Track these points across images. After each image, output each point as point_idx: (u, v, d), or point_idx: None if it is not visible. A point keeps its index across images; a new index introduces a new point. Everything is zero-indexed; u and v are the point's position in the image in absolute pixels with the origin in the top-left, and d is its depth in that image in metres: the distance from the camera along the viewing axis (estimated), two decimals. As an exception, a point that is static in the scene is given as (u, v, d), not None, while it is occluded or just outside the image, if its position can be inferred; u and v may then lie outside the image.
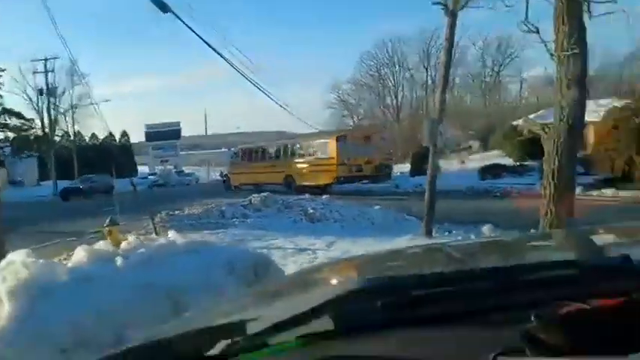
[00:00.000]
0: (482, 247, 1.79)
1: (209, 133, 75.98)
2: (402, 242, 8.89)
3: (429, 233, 9.73)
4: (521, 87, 60.33)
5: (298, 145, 28.08)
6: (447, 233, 9.95)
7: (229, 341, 0.93)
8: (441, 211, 10.90)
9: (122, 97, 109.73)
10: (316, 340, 0.87)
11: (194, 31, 13.52)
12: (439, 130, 11.10)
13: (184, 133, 68.43)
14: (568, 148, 6.39)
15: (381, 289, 0.90)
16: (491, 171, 25.71)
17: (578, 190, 15.74)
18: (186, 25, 12.56)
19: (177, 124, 64.48)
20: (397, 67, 61.71)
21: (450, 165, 31.26)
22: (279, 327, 0.89)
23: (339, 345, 0.87)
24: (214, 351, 0.93)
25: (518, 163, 26.79)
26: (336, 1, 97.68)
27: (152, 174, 55.13)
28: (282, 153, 28.59)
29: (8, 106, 38.59)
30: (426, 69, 59.54)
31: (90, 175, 34.33)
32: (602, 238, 1.58)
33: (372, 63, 61.80)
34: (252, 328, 0.92)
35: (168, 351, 0.95)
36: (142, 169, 57.05)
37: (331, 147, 24.86)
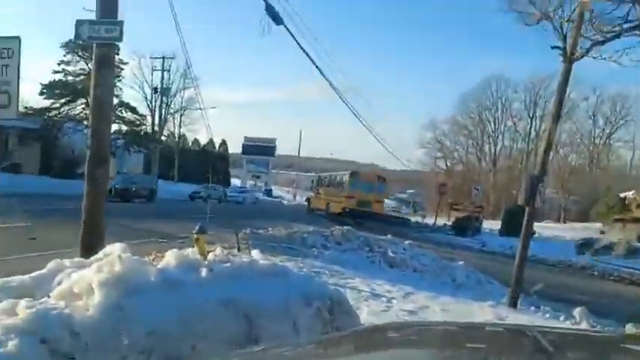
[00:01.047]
0: (572, 340, 1.61)
1: (302, 154, 77.59)
2: (483, 309, 8.40)
3: (513, 304, 9.10)
4: (633, 154, 55.18)
5: (334, 178, 31.22)
6: (533, 308, 9.26)
7: None
8: (531, 282, 10.22)
9: (225, 105, 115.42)
10: None
11: (302, 48, 13.85)
12: (539, 190, 10.44)
13: (277, 151, 70.29)
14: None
15: None
16: (590, 246, 23.83)
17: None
18: (295, 39, 12.85)
19: (274, 140, 66.41)
20: (500, 112, 58.96)
21: (544, 229, 29.42)
22: None
23: None
24: None
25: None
26: (446, 34, 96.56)
27: (243, 187, 57.14)
28: (326, 183, 32.10)
29: (126, 100, 41.87)
30: (531, 119, 56.27)
31: (209, 184, 36.75)
32: None
33: (474, 105, 59.56)
34: None
35: None
36: (235, 181, 59.31)
37: (345, 181, 28.13)
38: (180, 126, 52.14)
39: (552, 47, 7.33)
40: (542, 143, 10.73)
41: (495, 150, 59.52)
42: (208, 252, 7.12)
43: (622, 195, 26.84)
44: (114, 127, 43.04)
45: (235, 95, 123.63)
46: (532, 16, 6.83)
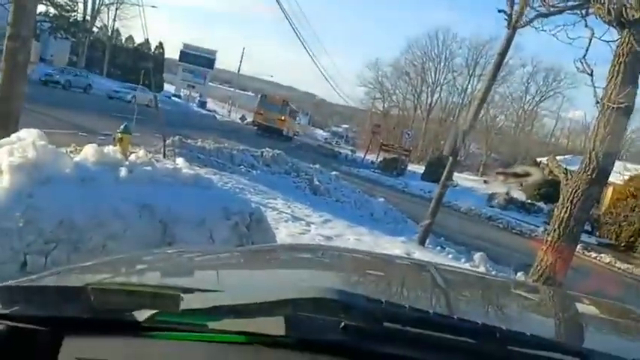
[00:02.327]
0: (463, 279, 1.75)
1: (242, 72, 75.23)
2: (394, 243, 8.88)
3: (422, 242, 9.70)
4: (556, 124, 59.18)
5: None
6: (439, 248, 9.92)
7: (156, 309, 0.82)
8: (440, 224, 10.88)
9: (168, 7, 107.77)
10: (261, 342, 0.78)
11: None
12: (464, 143, 10.94)
13: (218, 65, 67.77)
14: (583, 201, 6.32)
15: (352, 307, 0.78)
16: (500, 199, 25.54)
17: (578, 247, 15.75)
18: None
19: (214, 52, 63.58)
20: (442, 64, 60.27)
21: (463, 180, 31.05)
22: (221, 310, 0.78)
23: (283, 354, 0.78)
24: (138, 315, 0.83)
25: (529, 201, 26.57)
26: None
27: (176, 95, 55.04)
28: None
29: (56, -18, 38.19)
30: (470, 76, 58.00)
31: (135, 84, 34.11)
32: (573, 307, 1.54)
33: (419, 53, 60.35)
34: (188, 302, 0.80)
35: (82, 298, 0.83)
36: (168, 88, 56.88)
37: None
38: (114, 20, 48.57)
39: (499, 11, 7.48)
40: (476, 101, 11.11)
41: (432, 100, 61.21)
42: (130, 153, 6.93)
43: (538, 159, 28.60)
44: (40, 8, 39.42)
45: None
46: None
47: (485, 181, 31.27)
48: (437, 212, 10.15)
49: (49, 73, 29.83)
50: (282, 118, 34.46)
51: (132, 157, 5.11)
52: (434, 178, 20.46)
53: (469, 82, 58.01)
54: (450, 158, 10.53)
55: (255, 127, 34.77)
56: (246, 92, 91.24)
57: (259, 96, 37.76)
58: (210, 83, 70.01)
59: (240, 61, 67.44)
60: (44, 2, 36.71)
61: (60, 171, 4.02)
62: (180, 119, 24.56)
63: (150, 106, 28.75)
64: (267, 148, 15.21)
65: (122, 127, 9.23)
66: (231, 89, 74.02)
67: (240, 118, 59.32)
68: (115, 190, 4.20)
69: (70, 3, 39.50)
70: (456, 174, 17.07)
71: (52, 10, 37.34)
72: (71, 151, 8.22)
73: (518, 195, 27.34)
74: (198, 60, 61.82)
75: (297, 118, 47.32)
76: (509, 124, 58.64)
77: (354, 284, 1.37)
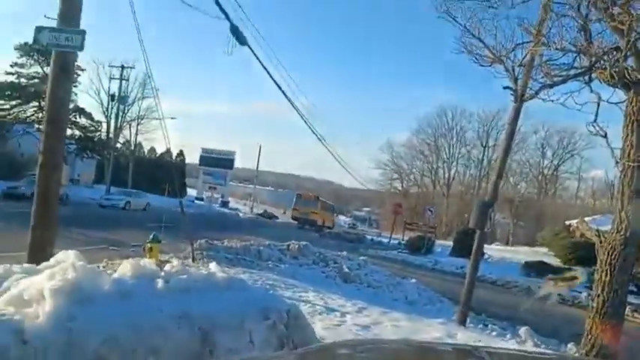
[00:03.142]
0: None
1: (260, 169, 77.24)
2: (433, 326, 8.62)
3: (462, 322, 9.38)
4: (578, 186, 58.62)
5: None
6: (481, 326, 9.57)
7: None
8: (479, 300, 10.56)
9: (184, 117, 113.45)
10: None
11: (272, 77, 14.09)
12: (489, 214, 10.88)
13: (237, 164, 69.89)
14: (621, 262, 6.17)
15: None
16: (535, 268, 24.74)
17: (627, 310, 15.00)
18: (262, 63, 13.00)
19: (233, 153, 65.84)
20: (454, 140, 61.40)
21: (493, 251, 30.41)
22: None
23: None
24: None
25: (565, 266, 25.67)
26: (406, 65, 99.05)
27: (199, 198, 56.29)
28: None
29: (81, 105, 40.86)
30: (484, 148, 58.90)
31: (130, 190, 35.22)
32: None
33: (430, 131, 61.76)
34: None
35: None
36: (191, 192, 58.40)
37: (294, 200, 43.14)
38: (136, 134, 51.10)
39: (504, 87, 7.79)
40: (494, 172, 11.20)
41: (449, 175, 61.77)
42: (163, 262, 7.06)
43: (567, 222, 28.11)
44: (67, 132, 41.80)
45: (195, 107, 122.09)
46: (486, 59, 7.23)
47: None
48: (472, 288, 9.91)
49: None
50: (316, 211, 40.13)
51: (167, 267, 5.21)
52: (463, 253, 20.11)
53: (484, 154, 58.77)
54: (478, 231, 10.44)
55: (295, 221, 39.94)
56: (265, 187, 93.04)
57: (295, 194, 44.76)
58: (231, 183, 71.80)
59: (258, 159, 69.28)
60: (70, 126, 39.11)
61: (100, 289, 4.13)
62: (205, 221, 24.98)
63: (146, 210, 29.33)
64: (293, 241, 15.27)
65: (151, 236, 9.45)
66: (251, 186, 75.51)
67: (261, 214, 59.97)
68: (154, 302, 4.26)
69: (95, 124, 41.95)
70: (485, 246, 16.83)
71: (77, 132, 39.58)
72: (104, 267, 8.41)
73: (552, 261, 26.56)
74: (217, 162, 63.91)
75: (332, 210, 50.58)
76: (531, 190, 58.38)
77: None
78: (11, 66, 37.93)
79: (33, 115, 36.91)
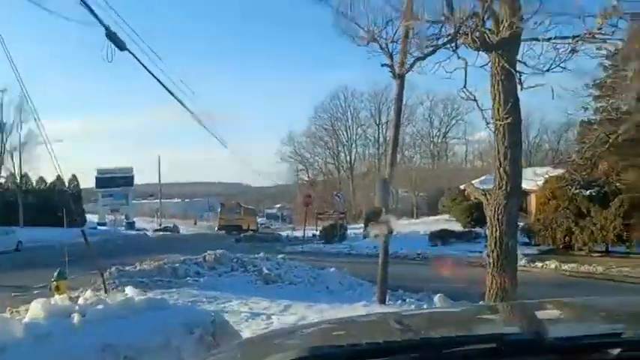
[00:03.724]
0: (422, 318, 1.98)
1: (164, 181, 74.49)
2: (356, 309, 9.02)
3: (382, 301, 9.88)
4: (466, 149, 62.82)
5: None
6: (399, 301, 10.15)
7: None
8: (395, 277, 11.15)
9: (73, 138, 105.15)
10: None
11: (152, 74, 13.32)
12: (391, 191, 11.42)
13: (138, 180, 66.74)
14: (507, 216, 6.80)
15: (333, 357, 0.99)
16: (440, 236, 26.41)
17: (523, 261, 16.53)
18: (144, 66, 12.31)
19: (130, 169, 62.58)
20: (350, 121, 63.17)
21: (400, 226, 31.91)
22: None
23: None
24: None
25: (466, 229, 27.66)
26: (288, 49, 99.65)
27: (101, 223, 53.35)
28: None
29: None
30: (378, 125, 61.20)
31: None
32: (533, 313, 1.81)
33: (326, 116, 62.92)
34: None
35: None
36: (91, 218, 55.03)
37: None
38: (20, 165, 47.23)
39: (382, 65, 8.26)
40: (389, 148, 11.72)
41: (351, 158, 63.53)
42: (74, 298, 6.77)
43: (461, 187, 30.11)
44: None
45: (85, 126, 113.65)
46: (362, 39, 7.61)
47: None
48: (386, 268, 10.44)
49: None
50: (240, 217, 43.56)
51: (80, 300, 5.08)
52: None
53: (379, 132, 61.03)
54: (383, 209, 10.97)
55: (221, 230, 41.65)
56: (172, 200, 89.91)
57: (220, 206, 47.80)
58: (134, 201, 68.59)
59: (159, 171, 66.94)
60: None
61: (12, 337, 3.97)
62: (112, 247, 23.82)
63: (19, 250, 26.23)
64: (208, 251, 15.08)
65: (55, 274, 8.97)
66: (156, 201, 72.77)
67: (169, 229, 58.01)
68: (72, 338, 4.17)
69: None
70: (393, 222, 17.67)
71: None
72: (10, 314, 7.88)
73: (455, 226, 28.48)
74: (116, 181, 60.72)
75: (254, 213, 53.30)
76: (426, 160, 61.75)
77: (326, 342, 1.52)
78: None
79: None
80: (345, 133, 63.39)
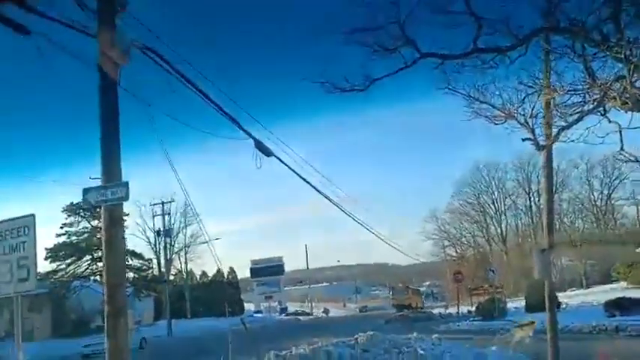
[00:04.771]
0: None
1: (311, 267, 76.94)
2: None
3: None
4: (638, 209, 55.12)
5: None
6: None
7: None
8: (567, 354, 9.91)
9: (228, 235, 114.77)
10: None
11: (298, 174, 14.37)
12: (551, 261, 10.42)
13: (287, 268, 69.79)
14: None
15: None
16: (618, 305, 23.07)
17: None
18: (290, 168, 13.35)
19: (280, 259, 65.88)
20: (496, 193, 60.05)
21: (569, 298, 28.79)
22: None
23: None
24: None
25: (646, 295, 23.91)
26: (421, 132, 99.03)
27: (257, 311, 55.91)
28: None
29: (130, 248, 42.66)
30: (528, 194, 57.07)
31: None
32: None
33: (469, 190, 60.68)
34: None
35: None
36: (248, 306, 58.14)
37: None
38: (186, 262, 52.31)
39: (523, 140, 7.93)
40: (544, 216, 10.94)
41: (502, 229, 59.92)
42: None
43: (638, 250, 26.64)
44: (122, 276, 43.18)
45: (238, 224, 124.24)
46: (498, 118, 7.44)
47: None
48: (557, 343, 9.35)
49: None
50: (409, 297, 49.61)
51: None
52: (539, 307, 19.10)
53: (530, 200, 56.94)
54: (545, 281, 10.04)
55: (395, 308, 46.20)
56: (319, 284, 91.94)
57: (391, 289, 54.05)
58: (285, 288, 71.38)
59: (307, 258, 69.47)
60: (124, 269, 40.57)
61: None
62: (269, 332, 24.71)
63: (143, 348, 26.56)
64: (359, 333, 14.89)
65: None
66: (306, 286, 74.86)
67: (323, 312, 58.99)
68: None
69: (146, 262, 43.36)
70: (559, 294, 16.03)
71: (130, 275, 40.89)
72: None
73: (634, 293, 24.80)
74: (268, 271, 64.01)
75: (419, 293, 57.85)
76: (589, 225, 55.73)
77: None
78: (61, 227, 40.31)
79: (87, 268, 38.62)
80: (492, 205, 60.49)
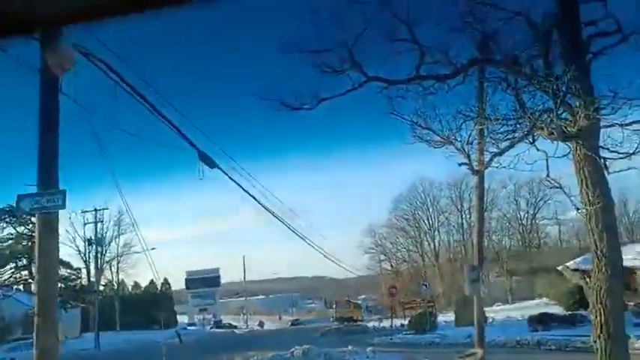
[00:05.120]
0: None
1: (248, 279, 76.01)
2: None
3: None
4: (559, 229, 58.93)
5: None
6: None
7: None
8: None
9: (164, 245, 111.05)
10: None
11: (240, 185, 14.34)
12: (480, 277, 10.95)
13: (223, 280, 68.60)
14: (611, 299, 6.37)
15: None
16: (540, 321, 24.40)
17: (639, 343, 14.88)
18: (232, 179, 13.32)
19: (217, 270, 64.68)
20: (431, 210, 62.04)
21: (496, 312, 30.10)
22: None
23: None
24: None
25: (568, 313, 25.46)
26: (360, 142, 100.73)
27: (191, 324, 54.54)
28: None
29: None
30: (460, 212, 59.04)
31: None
32: None
33: (406, 207, 62.35)
34: None
35: None
36: (181, 319, 56.59)
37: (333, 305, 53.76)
38: (117, 272, 50.36)
39: (460, 164, 8.43)
40: (474, 234, 11.50)
41: (434, 245, 61.92)
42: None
43: (559, 268, 28.30)
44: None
45: (172, 234, 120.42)
46: (438, 143, 7.87)
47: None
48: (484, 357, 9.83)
49: None
50: (350, 310, 51.34)
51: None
52: (467, 321, 19.91)
53: (462, 218, 59.15)
54: (474, 297, 10.54)
55: (337, 321, 47.90)
56: (256, 296, 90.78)
57: (334, 303, 54.54)
58: (221, 300, 70.09)
59: (244, 270, 68.50)
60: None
61: None
62: (203, 345, 24.20)
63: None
64: (295, 347, 14.99)
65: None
66: (242, 299, 73.80)
67: (258, 324, 58.32)
68: None
69: (74, 272, 41.35)
70: (486, 308, 16.79)
71: (61, 284, 38.84)
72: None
73: (556, 310, 26.35)
74: (204, 282, 62.68)
75: (359, 307, 58.36)
76: (515, 243, 58.73)
77: None
78: (-18, 234, 37.84)
79: (11, 276, 36.37)
80: (426, 221, 62.29)
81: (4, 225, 37.99)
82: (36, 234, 7.19)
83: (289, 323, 60.22)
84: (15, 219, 35.77)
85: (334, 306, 55.22)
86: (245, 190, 14.01)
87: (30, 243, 35.51)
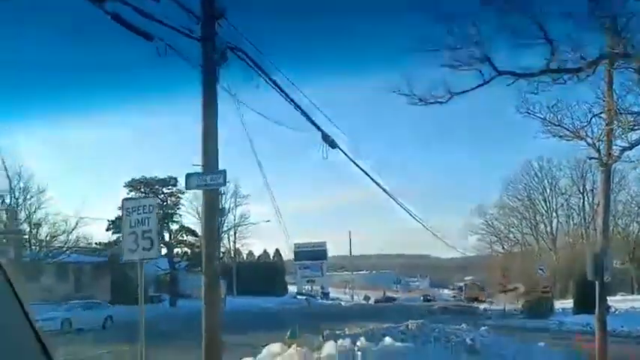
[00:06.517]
0: None
1: (354, 254, 77.78)
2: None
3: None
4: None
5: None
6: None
7: None
8: (617, 357, 10.31)
9: (274, 216, 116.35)
10: None
11: (354, 162, 14.89)
12: (605, 264, 10.57)
13: (330, 253, 70.73)
14: None
15: None
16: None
17: None
18: (350, 159, 13.94)
19: (324, 244, 66.49)
20: (549, 191, 58.21)
21: (619, 302, 28.42)
22: None
23: None
24: None
25: None
26: (475, 123, 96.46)
27: (300, 293, 57.27)
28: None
29: (186, 225, 44.71)
30: (582, 194, 54.75)
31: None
32: None
33: (520, 186, 58.88)
34: None
35: None
36: (291, 288, 59.62)
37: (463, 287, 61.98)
38: (234, 242, 54.27)
39: (589, 158, 8.38)
40: (599, 219, 11.15)
41: (551, 228, 58.10)
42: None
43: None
44: (176, 250, 45.55)
45: (286, 207, 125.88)
46: (568, 137, 7.91)
47: None
48: (605, 346, 9.72)
49: None
50: (478, 292, 56.51)
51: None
52: (587, 309, 19.24)
53: (584, 200, 54.85)
54: (597, 283, 10.35)
55: (466, 300, 53.46)
56: (360, 271, 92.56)
57: (464, 285, 62.56)
58: (327, 273, 72.41)
59: (350, 244, 70.12)
60: (178, 245, 42.71)
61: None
62: (313, 314, 25.70)
63: (105, 328, 25.20)
64: (410, 320, 15.60)
65: (289, 333, 10.61)
66: (348, 273, 75.74)
67: (364, 299, 59.89)
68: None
69: (199, 239, 45.19)
70: (609, 298, 16.11)
71: (186, 250, 42.96)
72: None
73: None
74: (311, 255, 64.99)
75: (483, 288, 60.84)
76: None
77: None
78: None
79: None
80: (543, 203, 58.38)
81: (139, 195, 42.46)
82: (202, 206, 8.50)
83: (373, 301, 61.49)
84: (149, 189, 39.86)
85: (464, 287, 61.77)
86: (357, 166, 14.53)
87: (162, 212, 39.53)
